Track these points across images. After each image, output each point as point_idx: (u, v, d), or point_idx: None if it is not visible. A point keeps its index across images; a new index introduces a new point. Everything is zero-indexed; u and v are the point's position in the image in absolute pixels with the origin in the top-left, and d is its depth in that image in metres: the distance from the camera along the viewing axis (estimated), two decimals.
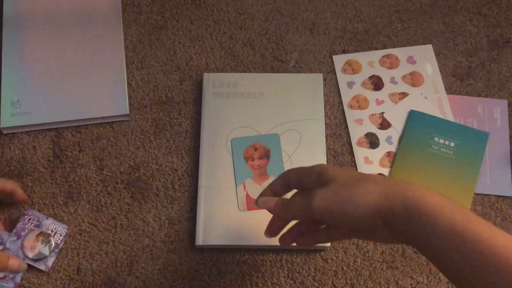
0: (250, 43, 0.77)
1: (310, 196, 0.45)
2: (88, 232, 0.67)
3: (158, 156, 0.70)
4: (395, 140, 0.72)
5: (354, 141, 0.72)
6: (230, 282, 0.65)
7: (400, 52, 0.77)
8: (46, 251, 0.64)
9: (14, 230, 0.64)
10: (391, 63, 0.76)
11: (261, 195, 0.52)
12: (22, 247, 0.63)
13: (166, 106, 0.73)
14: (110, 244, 0.66)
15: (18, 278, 0.63)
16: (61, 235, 0.65)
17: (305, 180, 0.48)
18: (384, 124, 0.73)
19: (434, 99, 0.74)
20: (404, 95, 0.74)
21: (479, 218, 0.40)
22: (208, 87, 0.72)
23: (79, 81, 0.73)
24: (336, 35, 0.78)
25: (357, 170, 0.70)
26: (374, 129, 0.72)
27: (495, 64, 0.77)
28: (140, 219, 0.67)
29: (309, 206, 0.44)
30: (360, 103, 0.74)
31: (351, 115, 0.73)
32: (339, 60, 0.76)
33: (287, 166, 0.68)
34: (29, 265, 0.63)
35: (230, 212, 0.66)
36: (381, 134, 0.72)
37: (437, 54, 0.77)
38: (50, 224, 0.65)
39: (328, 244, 0.65)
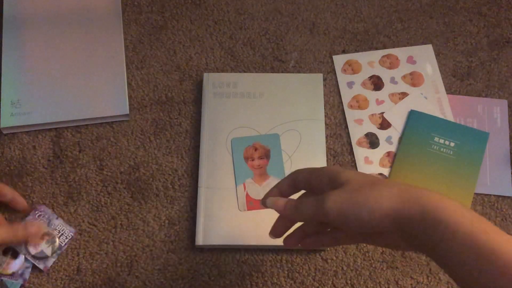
0: (250, 43, 0.77)
1: (322, 198, 0.43)
2: (88, 232, 0.67)
3: (158, 156, 0.70)
4: (395, 140, 0.72)
5: (354, 141, 0.72)
6: (230, 282, 0.65)
7: (400, 52, 0.77)
8: (48, 251, 0.64)
9: (22, 223, 0.64)
10: (391, 63, 0.76)
11: (268, 194, 0.50)
12: (26, 242, 0.63)
13: (166, 106, 0.73)
14: (110, 244, 0.66)
15: (26, 274, 0.63)
16: (66, 238, 0.65)
17: (315, 181, 0.47)
18: (384, 124, 0.73)
19: (434, 99, 0.74)
20: (404, 95, 0.74)
21: (497, 228, 0.39)
22: (208, 87, 0.72)
23: (79, 81, 0.73)
24: (336, 35, 0.78)
25: (357, 170, 0.70)
26: (374, 129, 0.72)
27: (495, 64, 0.77)
28: (140, 219, 0.67)
29: (322, 208, 0.43)
30: (360, 103, 0.74)
31: (351, 115, 0.73)
32: (339, 60, 0.76)
33: (287, 166, 0.68)
34: (27, 262, 0.63)
35: (230, 212, 0.66)
36: (381, 134, 0.72)
37: (437, 54, 0.77)
38: (58, 225, 0.66)
39: None
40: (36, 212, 0.66)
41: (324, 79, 0.75)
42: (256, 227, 0.65)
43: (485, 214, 0.69)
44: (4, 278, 0.61)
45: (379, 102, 0.74)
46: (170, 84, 0.74)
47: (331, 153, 0.71)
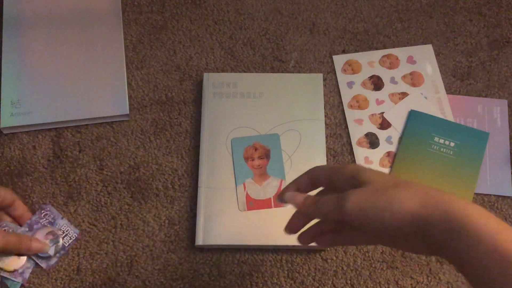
0: (250, 43, 0.77)
1: (343, 196, 0.42)
2: (88, 232, 0.67)
3: (158, 156, 0.70)
4: (395, 140, 0.72)
5: (354, 141, 0.72)
6: (230, 282, 0.65)
7: (400, 52, 0.77)
8: (52, 251, 0.64)
9: (28, 221, 0.64)
10: (391, 63, 0.76)
11: (285, 190, 0.49)
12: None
13: (166, 106, 0.73)
14: (110, 244, 0.66)
15: (26, 274, 0.63)
16: (70, 238, 0.65)
17: (336, 179, 0.46)
18: (384, 124, 0.73)
19: (434, 99, 0.74)
20: (404, 95, 0.74)
21: None
22: (208, 87, 0.72)
23: (79, 81, 0.73)
24: (336, 35, 0.78)
25: None
26: (374, 129, 0.72)
27: (495, 64, 0.77)
28: (140, 219, 0.67)
29: (342, 207, 0.42)
30: (360, 103, 0.74)
31: (351, 115, 0.73)
32: (339, 60, 0.76)
33: (287, 166, 0.68)
34: (29, 263, 0.63)
35: (230, 212, 0.66)
36: (381, 134, 0.72)
37: (437, 54, 0.77)
38: (63, 225, 0.66)
39: None
40: (42, 211, 0.66)
41: (324, 79, 0.75)
42: (256, 227, 0.65)
43: None
44: (4, 275, 0.61)
45: (379, 102, 0.74)
46: (170, 84, 0.74)
47: (331, 153, 0.71)
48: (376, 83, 0.75)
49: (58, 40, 0.75)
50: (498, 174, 0.70)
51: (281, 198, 0.49)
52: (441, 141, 0.71)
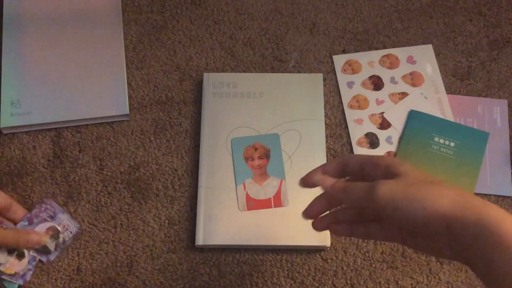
0: (250, 43, 0.77)
1: (376, 183, 0.42)
2: (88, 232, 0.67)
3: (158, 156, 0.70)
4: (395, 140, 0.72)
5: (354, 141, 0.72)
6: (230, 282, 0.65)
7: (400, 52, 0.77)
8: (51, 246, 0.63)
9: (27, 215, 0.64)
10: (391, 63, 0.76)
11: (312, 173, 0.48)
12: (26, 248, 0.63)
13: (166, 106, 0.73)
14: (110, 244, 0.66)
15: (28, 276, 0.62)
16: (71, 233, 0.65)
17: (370, 168, 0.45)
18: (384, 124, 0.73)
19: (434, 99, 0.74)
20: (404, 95, 0.74)
21: None
22: (208, 87, 0.72)
23: (79, 81, 0.73)
24: (336, 35, 0.78)
25: None
26: (374, 129, 0.72)
27: (495, 64, 0.77)
28: (140, 219, 0.67)
29: (374, 194, 0.41)
30: (360, 103, 0.74)
31: (351, 115, 0.73)
32: (339, 60, 0.76)
33: (287, 166, 0.68)
34: (30, 265, 0.63)
35: (230, 212, 0.66)
36: (381, 134, 0.72)
37: (437, 54, 0.77)
38: (64, 220, 0.65)
39: (328, 244, 0.65)
40: (43, 205, 0.65)
41: (324, 79, 0.75)
42: (256, 227, 0.65)
43: None
44: (6, 278, 0.61)
45: (379, 102, 0.74)
46: (170, 84, 0.74)
47: (331, 153, 0.71)
48: (376, 83, 0.75)
49: (58, 40, 0.75)
50: (498, 174, 0.70)
51: (306, 181, 0.48)
52: (441, 141, 0.71)
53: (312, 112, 0.71)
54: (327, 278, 0.65)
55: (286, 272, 0.65)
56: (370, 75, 0.76)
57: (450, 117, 0.73)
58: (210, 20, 0.78)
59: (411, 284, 0.65)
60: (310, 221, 0.50)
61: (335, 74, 0.76)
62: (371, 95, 0.74)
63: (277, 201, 0.67)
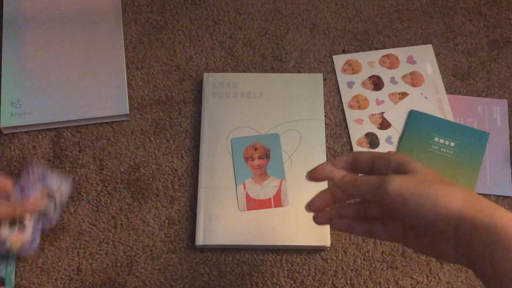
0: (250, 43, 0.77)
1: (387, 178, 0.41)
2: (88, 232, 0.67)
3: (158, 156, 0.70)
4: (395, 140, 0.72)
5: (354, 141, 0.72)
6: (230, 282, 0.65)
7: (400, 52, 0.77)
8: (51, 208, 0.62)
9: (18, 186, 0.62)
10: (391, 63, 0.76)
11: (322, 165, 0.47)
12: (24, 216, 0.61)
13: (166, 106, 0.73)
14: (110, 244, 0.66)
15: (35, 243, 0.61)
16: (65, 189, 0.63)
17: (381, 164, 0.45)
18: (384, 124, 0.73)
19: (434, 99, 0.74)
20: (404, 95, 0.74)
21: None
22: (208, 87, 0.72)
23: (79, 81, 0.73)
24: (336, 35, 0.78)
25: None
26: (374, 129, 0.72)
27: (495, 64, 0.77)
28: (140, 219, 0.67)
29: (384, 188, 0.41)
30: (360, 103, 0.74)
31: (351, 115, 0.73)
32: (339, 60, 0.76)
33: (287, 166, 0.68)
34: (35, 229, 0.62)
35: (230, 212, 0.66)
36: (381, 134, 0.72)
37: (437, 54, 0.77)
38: (54, 179, 0.63)
39: (328, 244, 0.65)
40: (29, 170, 0.63)
41: (324, 79, 0.75)
42: (256, 227, 0.65)
43: None
44: (15, 253, 0.59)
45: (379, 102, 0.74)
46: (170, 84, 0.74)
47: (331, 153, 0.71)
48: (376, 83, 0.75)
49: (58, 40, 0.75)
50: (498, 174, 0.70)
51: (315, 173, 0.47)
52: (441, 141, 0.71)
53: (312, 112, 0.71)
54: (327, 278, 0.65)
55: (286, 272, 0.65)
56: (370, 75, 0.76)
57: (450, 117, 0.73)
58: (210, 20, 0.78)
59: (411, 284, 0.65)
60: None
61: (335, 74, 0.76)
62: (371, 95, 0.74)
63: (277, 201, 0.67)
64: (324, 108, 0.72)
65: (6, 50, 0.74)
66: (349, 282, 0.65)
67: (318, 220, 0.49)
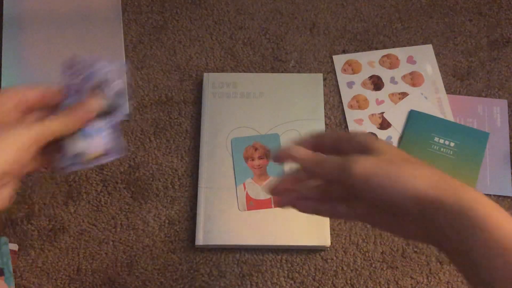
0: (250, 43, 0.77)
1: (353, 159, 0.40)
2: (88, 232, 0.67)
3: (158, 156, 0.70)
4: (395, 140, 0.72)
5: None
6: (230, 282, 0.65)
7: (400, 52, 0.77)
8: (112, 101, 0.48)
9: (64, 90, 0.50)
10: (391, 63, 0.76)
11: (284, 147, 0.45)
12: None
13: (166, 106, 0.73)
14: (110, 244, 0.66)
15: (118, 140, 0.47)
16: (120, 74, 0.49)
17: (345, 145, 0.43)
18: (384, 124, 0.73)
19: (434, 99, 0.74)
20: (404, 95, 0.74)
21: None
22: (208, 87, 0.72)
23: None
24: (336, 35, 0.78)
25: None
26: (374, 129, 0.72)
27: (495, 64, 0.77)
28: (140, 219, 0.67)
29: (348, 169, 0.40)
30: (360, 103, 0.74)
31: (351, 115, 0.73)
32: (339, 60, 0.76)
33: (287, 166, 0.68)
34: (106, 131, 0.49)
35: (230, 212, 0.66)
36: (381, 134, 0.72)
37: (437, 54, 0.77)
38: (103, 67, 0.50)
39: (328, 244, 0.65)
40: (73, 68, 0.52)
41: (324, 79, 0.75)
42: (256, 227, 0.65)
43: None
44: (98, 163, 0.46)
45: (379, 102, 0.74)
46: (170, 84, 0.74)
47: None
48: (376, 83, 0.75)
49: (58, 40, 0.75)
50: (498, 174, 0.70)
51: (281, 154, 0.45)
52: (441, 141, 0.71)
53: (312, 112, 0.71)
54: (327, 278, 0.65)
55: (286, 272, 0.65)
56: (370, 75, 0.75)
57: (450, 117, 0.73)
58: (210, 20, 0.78)
59: (411, 284, 0.65)
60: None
61: (335, 74, 0.75)
62: (371, 95, 0.74)
63: None
64: (324, 108, 0.72)
65: (6, 50, 0.74)
66: (349, 282, 0.65)
67: (281, 203, 0.47)
